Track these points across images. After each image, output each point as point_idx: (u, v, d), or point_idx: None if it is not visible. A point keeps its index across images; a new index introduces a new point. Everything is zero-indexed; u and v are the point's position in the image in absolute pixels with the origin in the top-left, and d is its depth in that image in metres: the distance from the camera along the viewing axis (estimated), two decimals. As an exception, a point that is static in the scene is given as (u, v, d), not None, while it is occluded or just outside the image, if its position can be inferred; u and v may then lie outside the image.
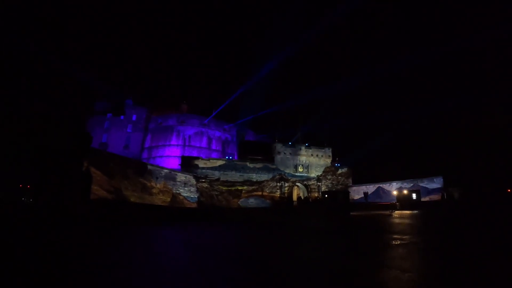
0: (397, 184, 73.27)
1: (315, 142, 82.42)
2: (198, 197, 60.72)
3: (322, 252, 13.08)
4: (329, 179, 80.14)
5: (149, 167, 53.42)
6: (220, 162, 69.67)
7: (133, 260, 11.16)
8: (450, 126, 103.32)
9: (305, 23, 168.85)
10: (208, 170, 66.55)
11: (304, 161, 78.81)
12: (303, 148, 79.39)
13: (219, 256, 12.23)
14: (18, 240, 16.59)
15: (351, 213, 45.65)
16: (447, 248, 13.49)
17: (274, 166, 74.86)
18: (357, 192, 78.32)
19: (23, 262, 10.42)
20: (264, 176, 72.75)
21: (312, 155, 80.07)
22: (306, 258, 11.50)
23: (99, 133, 77.63)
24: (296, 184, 77.73)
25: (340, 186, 79.85)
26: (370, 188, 77.15)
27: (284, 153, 77.04)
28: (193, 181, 61.44)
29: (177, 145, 79.93)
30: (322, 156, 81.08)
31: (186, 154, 75.62)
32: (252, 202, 68.44)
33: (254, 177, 71.73)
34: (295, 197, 77.97)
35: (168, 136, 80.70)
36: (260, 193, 70.71)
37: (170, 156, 77.97)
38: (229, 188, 67.71)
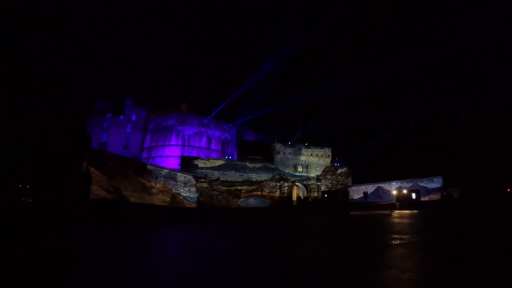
0: (396, 183, 73.30)
1: (314, 142, 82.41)
2: (197, 197, 60.71)
3: (322, 252, 13.10)
4: (329, 179, 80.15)
5: (149, 167, 53.40)
6: (219, 162, 69.65)
7: (133, 260, 11.16)
8: (450, 126, 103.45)
9: (305, 23, 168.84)
10: (207, 170, 66.54)
11: (303, 161, 78.80)
12: (302, 148, 79.37)
13: (219, 256, 12.24)
14: (18, 240, 16.59)
15: (351, 213, 45.67)
16: (446, 248, 13.51)
17: (273, 166, 74.85)
18: (357, 192, 78.31)
19: (23, 262, 10.42)
20: (263, 176, 72.75)
21: (311, 155, 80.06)
22: (306, 258, 11.52)
23: (98, 133, 77.61)
24: (296, 184, 77.74)
25: (340, 186, 79.86)
26: (370, 188, 77.16)
27: (284, 153, 77.03)
28: (193, 181, 61.42)
29: (177, 145, 79.88)
30: (321, 156, 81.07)
31: (186, 154, 75.57)
32: (251, 202, 68.43)
33: (254, 177, 71.73)
34: (294, 197, 77.93)
35: (167, 136, 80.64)
36: (259, 193, 70.71)
37: (169, 156, 77.92)
38: (229, 188, 67.71)
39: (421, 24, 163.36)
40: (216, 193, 65.20)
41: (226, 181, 67.83)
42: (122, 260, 11.24)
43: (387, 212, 44.16)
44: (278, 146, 76.69)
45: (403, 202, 56.22)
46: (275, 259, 11.51)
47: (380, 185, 76.27)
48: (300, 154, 78.82)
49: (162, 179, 54.33)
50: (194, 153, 77.54)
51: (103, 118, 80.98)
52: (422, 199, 62.51)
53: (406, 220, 29.69)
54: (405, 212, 43.02)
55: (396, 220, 29.51)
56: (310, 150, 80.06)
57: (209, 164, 67.85)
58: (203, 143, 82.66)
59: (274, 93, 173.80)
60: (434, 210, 48.02)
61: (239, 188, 68.91)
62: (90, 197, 35.02)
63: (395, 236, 17.13)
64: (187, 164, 65.52)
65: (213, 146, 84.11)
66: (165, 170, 56.85)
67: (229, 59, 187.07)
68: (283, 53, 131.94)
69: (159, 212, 39.44)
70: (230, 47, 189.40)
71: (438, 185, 67.92)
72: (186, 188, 59.34)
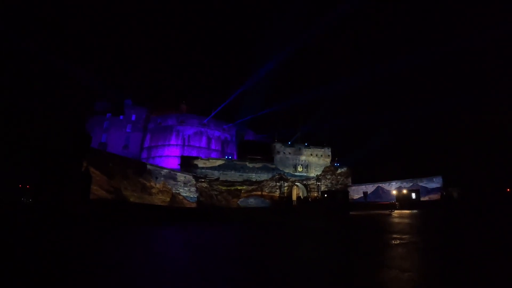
0: (396, 183, 73.32)
1: (314, 142, 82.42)
2: (197, 197, 60.72)
3: (322, 252, 13.10)
4: (329, 179, 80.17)
5: (149, 167, 53.39)
6: (219, 162, 69.66)
7: (133, 260, 11.17)
8: (449, 126, 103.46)
9: (305, 23, 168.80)
10: (207, 170, 66.55)
11: (303, 161, 78.80)
12: (302, 147, 79.38)
13: (219, 256, 12.25)
14: (18, 240, 16.59)
15: (351, 213, 45.69)
16: (446, 248, 13.52)
17: (273, 166, 74.87)
18: (357, 192, 78.34)
19: (23, 262, 10.43)
20: (263, 176, 72.76)
21: (311, 154, 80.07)
22: (306, 258, 11.52)
23: (98, 133, 77.62)
24: (296, 183, 77.74)
25: (340, 185, 79.88)
26: (370, 188, 77.18)
27: (284, 152, 77.03)
28: (193, 181, 61.43)
29: (177, 145, 79.87)
30: (321, 155, 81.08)
31: (186, 154, 75.56)
32: (251, 201, 68.43)
33: (254, 176, 71.74)
34: (294, 197, 77.94)
35: (167, 136, 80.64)
36: (259, 192, 70.72)
37: (169, 156, 77.91)
38: (229, 188, 67.72)
39: (421, 24, 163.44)
40: (216, 193, 65.21)
41: (226, 181, 67.84)
42: (122, 260, 11.25)
43: (387, 212, 44.18)
44: (278, 146, 76.69)
45: (403, 202, 56.26)
46: (275, 259, 11.52)
47: (380, 185, 76.29)
48: (300, 154, 78.81)
49: (162, 179, 54.33)
50: (194, 153, 77.54)
51: (103, 118, 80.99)
52: (422, 199, 62.54)
53: (406, 220, 29.71)
54: (405, 212, 43.04)
55: (396, 220, 29.52)
56: (310, 150, 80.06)
57: (209, 164, 67.85)
58: (203, 143, 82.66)
59: (274, 93, 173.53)
60: (434, 210, 48.05)
61: (239, 188, 68.92)
62: (90, 197, 35.02)
63: (395, 236, 17.14)
64: (187, 164, 65.53)
65: (213, 146, 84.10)
66: (165, 170, 56.85)
67: (229, 59, 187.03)
68: (283, 53, 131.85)
69: (159, 212, 39.45)
70: (230, 47, 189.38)
71: (438, 185, 67.96)
72: (186, 188, 59.35)
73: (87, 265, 10.30)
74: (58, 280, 8.32)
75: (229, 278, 8.45)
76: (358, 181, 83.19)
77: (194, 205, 58.31)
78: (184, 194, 58.39)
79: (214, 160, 69.94)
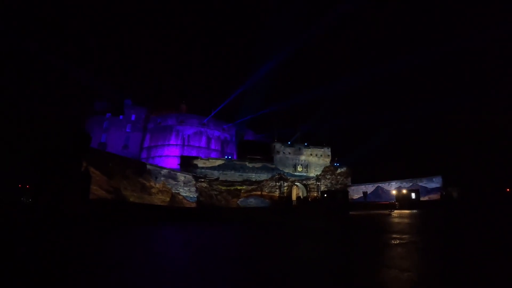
0: (396, 183, 73.33)
1: (314, 142, 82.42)
2: (197, 196, 60.72)
3: (322, 252, 13.11)
4: (328, 179, 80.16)
5: (148, 167, 53.39)
6: (219, 162, 69.65)
7: (133, 260, 11.17)
8: (449, 126, 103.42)
9: (305, 23, 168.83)
10: (207, 170, 66.54)
11: (303, 161, 78.80)
12: (302, 147, 79.37)
13: (219, 256, 12.25)
14: (18, 240, 16.59)
15: (350, 213, 45.70)
16: (446, 247, 13.53)
17: (273, 166, 74.87)
18: (356, 192, 78.34)
19: (23, 262, 10.43)
20: (263, 176, 72.75)
21: (311, 154, 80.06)
22: (305, 258, 11.53)
23: (98, 133, 77.58)
24: (295, 183, 77.74)
25: (339, 185, 79.87)
26: (369, 188, 77.19)
27: (283, 152, 77.03)
28: (192, 180, 61.44)
29: (176, 145, 79.87)
30: (321, 155, 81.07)
31: (185, 153, 75.56)
32: (251, 201, 68.41)
33: (253, 176, 71.73)
34: (294, 197, 77.95)
35: (167, 136, 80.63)
36: (259, 192, 70.71)
37: (169, 156, 77.90)
38: (228, 187, 67.71)
39: (421, 24, 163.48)
40: (215, 192, 65.21)
41: (226, 181, 67.84)
42: (122, 260, 11.25)
43: (387, 212, 44.21)
44: (277, 146, 76.68)
45: (403, 202, 56.33)
46: (275, 259, 11.53)
47: (380, 185, 76.30)
48: (300, 154, 78.81)
49: (162, 179, 54.33)
50: (193, 153, 77.54)
51: (102, 118, 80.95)
52: (422, 199, 62.58)
53: (405, 220, 29.73)
54: (405, 212, 43.07)
55: (396, 220, 29.54)
56: (309, 150, 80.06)
57: (209, 164, 67.85)
58: (203, 143, 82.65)
59: (274, 92, 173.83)
60: (434, 210, 48.08)
61: (239, 188, 68.92)
62: (90, 197, 35.01)
63: (394, 236, 17.16)
64: (186, 164, 65.53)
65: (212, 146, 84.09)
66: (165, 170, 56.85)
67: (229, 59, 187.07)
68: (283, 53, 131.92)
69: (159, 212, 39.46)
70: (230, 47, 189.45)
71: (437, 185, 67.97)
72: (185, 188, 59.35)
73: (87, 265, 10.31)
74: (58, 280, 8.32)
75: (229, 278, 8.46)
76: (357, 181, 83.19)
77: (193, 205, 58.31)
78: (184, 194, 58.39)
79: (213, 160, 69.94)
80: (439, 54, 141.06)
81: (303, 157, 78.90)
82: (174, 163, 72.14)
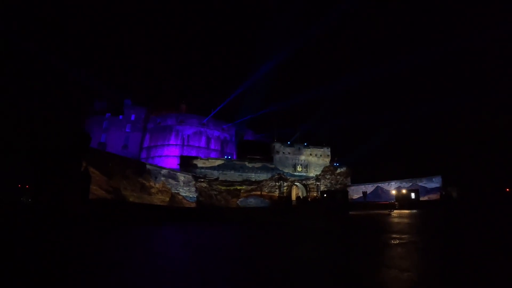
0: (396, 183, 73.36)
1: (314, 142, 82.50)
2: (197, 196, 60.74)
3: (322, 252, 13.12)
4: (328, 179, 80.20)
5: (148, 167, 53.39)
6: (219, 162, 69.67)
7: (133, 260, 11.18)
8: (449, 126, 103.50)
9: (305, 23, 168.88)
10: (207, 170, 66.56)
11: (303, 161, 78.82)
12: (302, 147, 79.40)
13: (219, 256, 12.26)
14: (18, 240, 16.59)
15: (350, 213, 45.71)
16: (446, 247, 13.54)
17: (273, 166, 74.88)
18: (356, 192, 78.37)
19: (23, 262, 10.43)
20: (263, 176, 72.77)
21: (311, 154, 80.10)
22: (305, 258, 11.54)
23: (97, 133, 77.59)
24: (295, 183, 77.76)
25: (339, 185, 79.91)
26: (369, 188, 77.22)
27: (283, 152, 77.05)
28: (192, 180, 61.45)
29: (176, 145, 79.88)
30: (321, 155, 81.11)
31: (185, 153, 75.57)
32: (251, 201, 68.44)
33: (253, 176, 71.75)
34: (294, 197, 77.97)
35: (167, 135, 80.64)
36: (259, 192, 70.73)
37: (169, 156, 77.92)
38: (228, 187, 67.73)
39: (421, 24, 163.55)
40: (215, 192, 65.22)
41: (225, 181, 67.86)
42: (122, 260, 11.25)
43: (386, 212, 44.23)
44: (277, 145, 76.70)
45: (402, 201, 56.34)
46: (275, 259, 11.53)
47: (379, 184, 76.34)
48: (300, 153, 78.83)
49: (162, 178, 54.33)
50: (193, 153, 77.55)
51: (102, 118, 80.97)
52: (421, 198, 62.61)
53: (405, 220, 29.74)
54: (404, 212, 43.09)
55: (395, 220, 29.55)
56: (309, 149, 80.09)
57: (208, 163, 67.87)
58: (202, 142, 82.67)
59: (273, 92, 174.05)
60: (433, 210, 48.09)
61: (238, 187, 68.94)
62: (90, 197, 34.99)
63: (394, 236, 17.17)
64: (186, 163, 65.55)
65: (212, 146, 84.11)
66: (165, 170, 56.86)
67: (228, 59, 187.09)
68: (282, 52, 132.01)
69: (159, 212, 39.44)
70: (230, 47, 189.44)
71: (437, 185, 68.02)
72: (185, 188, 59.37)
73: (87, 265, 10.31)
74: (58, 280, 8.32)
75: (229, 278, 8.47)
76: (357, 181, 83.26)
77: (193, 205, 58.32)
78: (184, 194, 58.41)
79: (213, 160, 69.95)
80: (439, 54, 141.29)
81: (302, 157, 78.92)
82: (173, 163, 72.16)
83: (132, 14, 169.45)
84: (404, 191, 63.69)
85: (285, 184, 74.71)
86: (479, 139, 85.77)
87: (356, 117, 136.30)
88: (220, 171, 68.14)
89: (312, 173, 79.02)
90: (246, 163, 72.22)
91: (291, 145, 78.57)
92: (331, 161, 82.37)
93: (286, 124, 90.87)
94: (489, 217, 31.02)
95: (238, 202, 67.22)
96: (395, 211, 46.32)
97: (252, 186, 70.44)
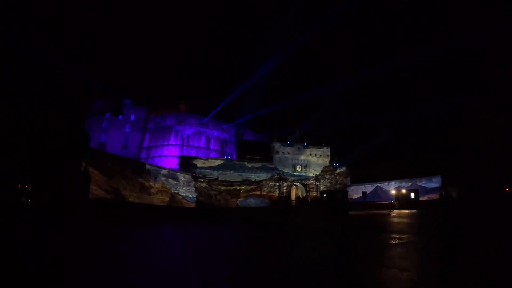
0: (395, 183, 73.43)
1: (313, 142, 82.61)
2: (196, 196, 60.73)
3: (321, 252, 13.12)
4: (328, 179, 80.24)
5: (148, 167, 53.38)
6: (218, 162, 69.69)
7: (133, 260, 11.17)
8: (449, 126, 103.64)
9: (305, 23, 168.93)
10: (206, 170, 66.57)
11: (302, 161, 78.86)
12: (301, 147, 79.44)
13: (219, 256, 12.25)
14: (18, 240, 16.58)
15: (350, 213, 45.70)
16: (445, 247, 13.55)
17: (272, 166, 74.90)
18: (356, 192, 78.44)
19: (23, 262, 10.43)
20: (262, 176, 72.79)
21: (310, 154, 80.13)
22: (305, 258, 11.54)
23: (97, 133, 77.61)
24: (295, 183, 77.79)
25: (339, 185, 79.97)
26: (369, 188, 77.29)
27: (283, 152, 77.07)
28: (192, 180, 61.45)
29: (176, 145, 79.92)
30: (320, 155, 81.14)
31: (185, 153, 75.60)
32: (250, 201, 68.47)
33: (253, 176, 71.77)
34: (293, 197, 78.01)
35: (166, 135, 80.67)
36: (258, 192, 70.76)
37: (168, 156, 77.95)
38: (228, 187, 67.74)
39: (421, 24, 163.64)
40: (215, 192, 65.24)
41: (225, 181, 67.89)
42: (122, 260, 11.25)
43: (386, 211, 44.24)
44: (277, 145, 76.72)
45: (402, 201, 56.37)
46: (275, 259, 11.53)
47: (379, 184, 76.41)
48: (299, 153, 78.87)
49: (161, 178, 54.33)
50: (193, 153, 77.58)
51: (102, 118, 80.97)
52: (421, 198, 62.65)
53: (405, 220, 29.74)
54: (404, 212, 43.10)
55: (395, 220, 29.56)
56: (309, 149, 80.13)
57: (208, 164, 67.89)
58: (202, 143, 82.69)
59: (273, 92, 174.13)
60: (433, 209, 48.10)
61: (238, 187, 68.96)
62: (89, 197, 34.99)
63: (394, 235, 17.17)
64: (186, 164, 65.57)
65: (212, 146, 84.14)
66: (164, 170, 56.87)
67: (228, 59, 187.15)
68: (282, 52, 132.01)
69: (159, 212, 39.43)
70: (229, 47, 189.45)
71: (437, 185, 68.11)
72: (185, 188, 59.37)
73: (87, 265, 10.31)
74: (58, 280, 8.32)
75: (229, 278, 8.47)
76: (357, 181, 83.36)
77: (193, 205, 58.32)
78: (183, 194, 58.41)
79: (213, 160, 69.97)
80: (439, 54, 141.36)
81: (302, 157, 78.96)
82: (173, 163, 72.18)
83: (132, 14, 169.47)
84: (403, 191, 63.71)
85: (285, 184, 74.73)
86: (479, 139, 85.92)
87: (356, 117, 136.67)
88: (220, 171, 68.17)
89: (311, 173, 79.06)
90: (246, 163, 72.24)
91: (290, 145, 78.60)
92: (331, 161, 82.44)
93: (286, 124, 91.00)
94: (489, 217, 31.04)
95: (237, 202, 67.24)
96: (394, 211, 46.34)
97: (251, 186, 70.46)
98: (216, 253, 13.01)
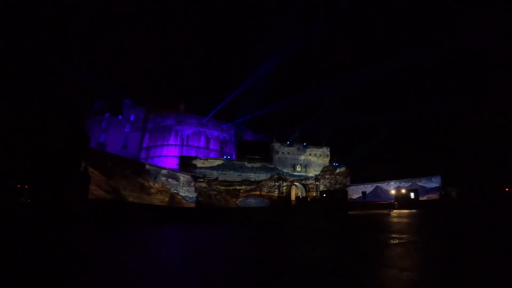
0: (395, 183, 73.47)
1: (313, 142, 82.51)
2: (196, 196, 60.71)
3: (321, 252, 13.13)
4: (327, 179, 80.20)
5: (147, 167, 53.36)
6: (218, 162, 69.63)
7: (133, 260, 11.18)
8: (449, 126, 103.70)
9: (305, 23, 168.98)
10: (206, 170, 66.54)
11: (302, 161, 78.81)
12: (301, 147, 79.40)
13: (219, 256, 12.26)
14: (18, 240, 16.58)
15: (349, 213, 45.72)
16: (445, 247, 13.57)
17: (272, 166, 74.87)
18: (355, 192, 78.49)
19: (23, 262, 10.43)
20: (262, 176, 72.75)
21: (310, 154, 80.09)
22: (305, 258, 11.55)
23: (97, 133, 77.54)
24: (294, 183, 77.76)
25: (338, 185, 79.93)
26: (368, 188, 77.33)
27: (282, 152, 77.03)
28: (192, 181, 61.43)
29: (175, 145, 79.88)
30: (320, 155, 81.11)
31: (184, 153, 75.57)
32: (250, 201, 68.43)
33: (252, 176, 71.73)
34: (293, 197, 77.99)
35: (166, 135, 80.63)
36: (258, 192, 70.73)
37: (168, 156, 77.91)
38: (227, 187, 67.71)
39: (421, 24, 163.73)
40: (214, 193, 65.20)
41: (225, 181, 67.85)
42: (122, 260, 11.26)
43: (386, 211, 44.27)
44: (276, 145, 76.69)
45: (402, 201, 56.42)
46: (275, 259, 11.54)
47: (379, 184, 76.43)
48: (299, 153, 78.82)
49: (161, 179, 54.32)
50: (192, 153, 77.55)
51: (101, 118, 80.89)
52: (421, 198, 62.73)
53: (404, 220, 29.77)
54: (404, 212, 43.13)
55: (395, 220, 29.58)
56: (308, 149, 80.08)
57: (208, 164, 67.85)
58: (202, 143, 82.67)
59: (273, 92, 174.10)
60: (433, 209, 48.14)
61: (238, 187, 68.93)
62: (89, 197, 34.98)
63: (393, 235, 17.19)
64: (185, 164, 65.53)
65: (211, 146, 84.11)
66: (164, 170, 56.84)
67: (228, 59, 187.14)
68: (282, 52, 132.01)
69: (159, 212, 39.44)
70: (229, 47, 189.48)
71: (436, 185, 68.14)
72: (184, 188, 59.34)
73: (87, 265, 10.31)
74: (58, 280, 8.33)
75: (229, 278, 8.48)
76: (357, 180, 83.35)
77: (193, 205, 58.30)
78: (183, 194, 58.39)
79: (212, 160, 69.93)
80: (439, 54, 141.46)
81: (302, 157, 78.91)
82: (173, 163, 72.15)
83: (132, 14, 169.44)
84: (403, 191, 63.76)
85: (285, 184, 74.71)
86: (478, 139, 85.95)
87: (356, 117, 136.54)
88: (220, 171, 68.12)
89: (311, 173, 79.03)
90: (246, 163, 72.21)
91: (290, 145, 78.56)
92: (331, 161, 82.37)
93: (285, 124, 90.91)
94: (489, 217, 31.06)
95: (237, 202, 67.21)
96: (394, 211, 46.37)
97: (251, 186, 70.44)
98: (216, 253, 13.02)
